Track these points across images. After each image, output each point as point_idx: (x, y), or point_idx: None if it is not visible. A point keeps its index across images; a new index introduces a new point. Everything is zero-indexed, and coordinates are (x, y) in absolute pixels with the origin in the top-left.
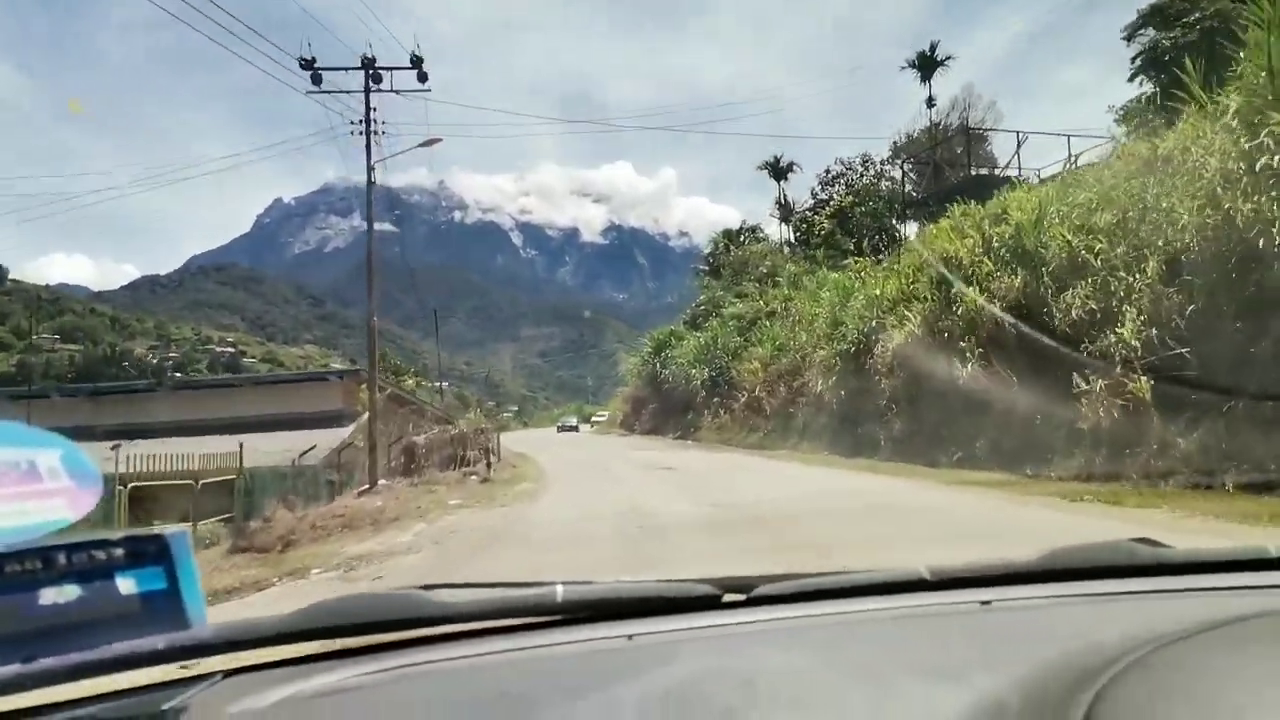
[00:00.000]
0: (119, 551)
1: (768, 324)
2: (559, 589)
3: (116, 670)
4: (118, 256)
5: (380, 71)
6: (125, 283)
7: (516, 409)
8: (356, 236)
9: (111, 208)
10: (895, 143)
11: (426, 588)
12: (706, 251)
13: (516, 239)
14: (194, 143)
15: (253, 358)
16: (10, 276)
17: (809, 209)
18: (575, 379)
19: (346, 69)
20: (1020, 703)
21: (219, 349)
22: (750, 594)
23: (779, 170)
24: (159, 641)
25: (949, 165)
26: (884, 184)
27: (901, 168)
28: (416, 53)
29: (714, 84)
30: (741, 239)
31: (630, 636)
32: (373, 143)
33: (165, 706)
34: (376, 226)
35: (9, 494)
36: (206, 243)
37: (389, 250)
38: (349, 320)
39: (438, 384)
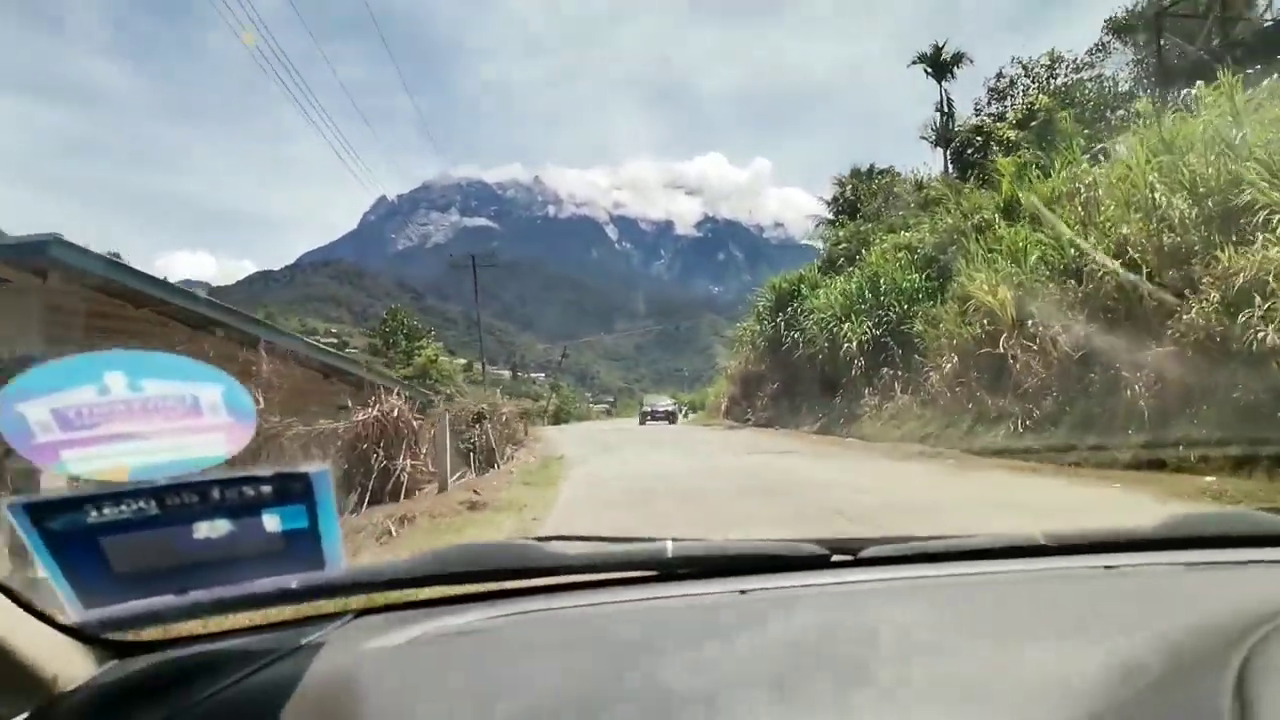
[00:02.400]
0: (267, 489)
1: (984, 240)
2: (669, 544)
3: (259, 606)
4: (237, 254)
5: None
6: (242, 277)
7: (612, 400)
8: (456, 233)
9: (230, 207)
10: (1111, 19)
11: (541, 539)
12: (830, 196)
13: (611, 232)
14: (302, 142)
15: (355, 348)
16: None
17: (982, 120)
18: (671, 371)
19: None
20: (1162, 664)
21: (323, 340)
22: (859, 554)
23: (940, 65)
24: (296, 580)
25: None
26: (1088, 81)
27: (1156, 26)
28: None
29: (808, 71)
30: (874, 178)
31: (742, 591)
32: None
33: (303, 642)
34: (476, 222)
35: (172, 427)
36: (317, 240)
37: (487, 244)
38: (448, 313)
39: (481, 362)
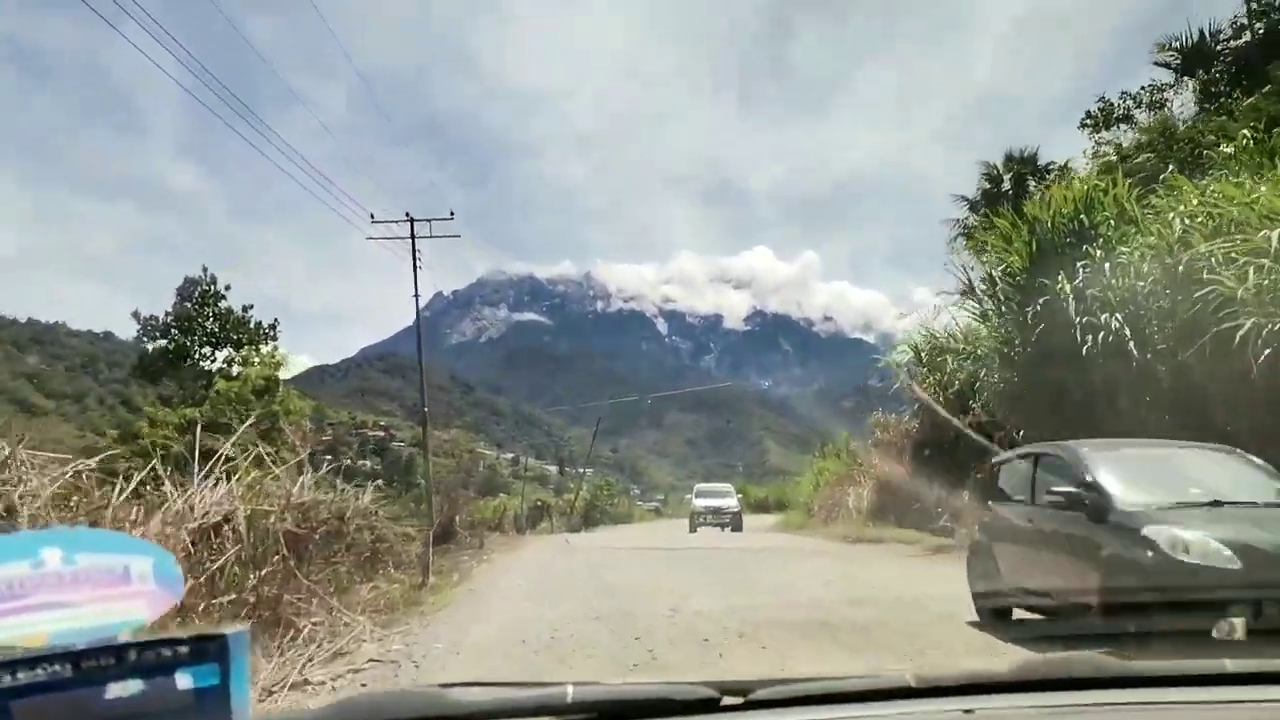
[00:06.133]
0: (183, 649)
1: None
2: (569, 689)
3: None
4: (297, 349)
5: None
6: (298, 372)
7: (663, 498)
8: (509, 327)
9: (293, 304)
10: None
11: (445, 685)
12: (976, 192)
13: (661, 326)
14: (362, 242)
15: (401, 441)
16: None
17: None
18: (722, 466)
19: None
20: None
21: (370, 432)
22: (747, 697)
23: None
24: None
25: None
26: None
27: None
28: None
29: (853, 165)
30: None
31: None
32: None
33: None
34: (527, 316)
35: (99, 595)
36: (376, 335)
37: (538, 339)
38: (498, 407)
39: (423, 429)
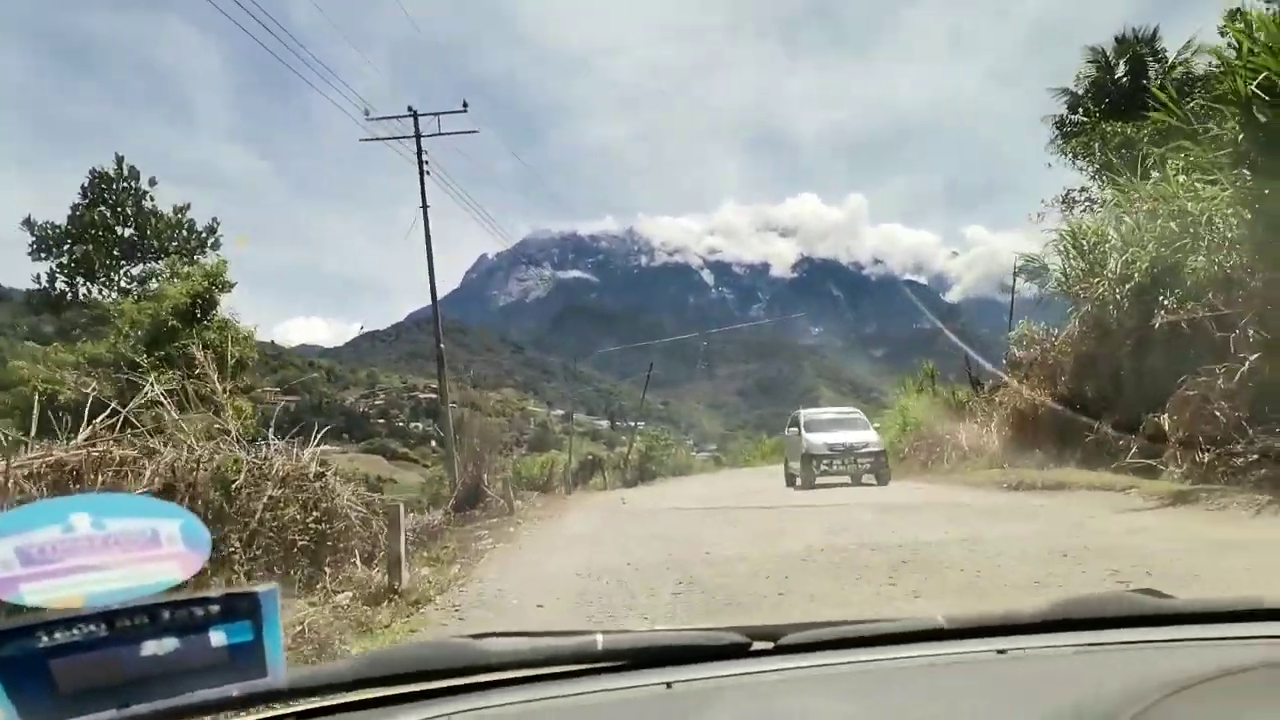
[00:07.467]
0: (215, 608)
1: None
2: (599, 638)
3: (198, 715)
4: (349, 317)
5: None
6: (350, 339)
7: (715, 447)
8: (556, 285)
9: (343, 273)
10: None
11: (477, 636)
12: (1083, 84)
13: (707, 278)
14: (403, 207)
15: (454, 403)
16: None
17: None
18: (775, 416)
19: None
20: None
21: (421, 395)
22: (777, 642)
23: None
24: (236, 689)
25: None
26: None
27: None
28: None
29: (901, 106)
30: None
31: (669, 684)
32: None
33: None
34: (573, 274)
35: (130, 558)
36: (424, 300)
37: (584, 296)
38: (548, 366)
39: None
